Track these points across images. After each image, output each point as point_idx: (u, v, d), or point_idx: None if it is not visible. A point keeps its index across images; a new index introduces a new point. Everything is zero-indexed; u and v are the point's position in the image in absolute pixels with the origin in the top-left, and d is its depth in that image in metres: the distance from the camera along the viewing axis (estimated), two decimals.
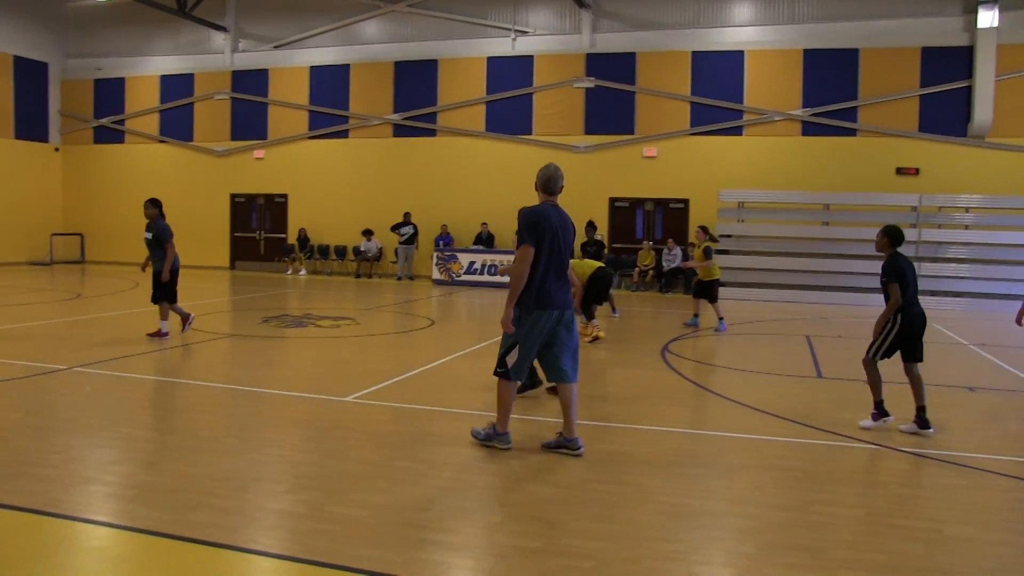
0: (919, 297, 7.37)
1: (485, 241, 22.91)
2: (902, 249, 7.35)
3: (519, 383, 6.45)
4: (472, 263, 22.11)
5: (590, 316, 12.39)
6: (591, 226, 19.66)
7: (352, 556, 4.28)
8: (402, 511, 4.94)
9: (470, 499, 5.26)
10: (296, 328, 13.08)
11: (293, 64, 25.75)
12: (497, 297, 19.37)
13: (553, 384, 6.71)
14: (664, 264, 21.26)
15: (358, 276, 24.11)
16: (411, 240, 23.51)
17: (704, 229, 14.70)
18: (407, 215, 23.59)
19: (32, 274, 22.33)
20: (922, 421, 7.06)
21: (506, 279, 7.11)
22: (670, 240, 21.43)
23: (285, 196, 26.11)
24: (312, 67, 25.49)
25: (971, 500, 5.48)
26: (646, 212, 22.86)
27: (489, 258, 22.03)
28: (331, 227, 25.27)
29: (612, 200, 22.87)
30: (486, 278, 21.79)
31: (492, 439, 6.38)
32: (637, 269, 21.57)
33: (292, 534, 4.62)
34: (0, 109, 26.60)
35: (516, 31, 23.54)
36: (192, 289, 19.00)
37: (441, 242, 23.25)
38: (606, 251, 20.97)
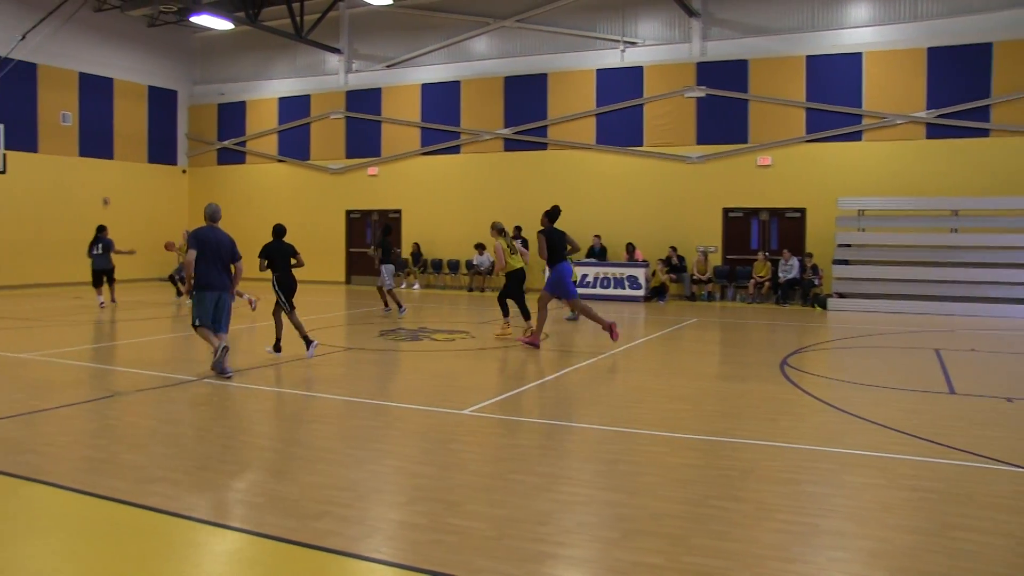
0: None
1: (598, 254, 22.81)
2: None
3: (208, 328, 9.82)
4: (585, 276, 22.05)
5: (505, 312, 13.97)
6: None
7: (472, 568, 4.31)
8: (521, 524, 4.95)
9: (589, 514, 5.23)
10: (412, 341, 13.31)
11: (405, 82, 26.32)
12: (610, 310, 19.26)
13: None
14: (780, 275, 20.75)
15: (471, 290, 24.36)
16: None
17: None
18: (518, 229, 23.71)
19: (162, 290, 23.42)
20: None
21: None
22: (785, 251, 20.91)
23: (399, 211, 26.66)
24: (423, 85, 26.00)
25: None
26: (761, 222, 22.38)
27: (602, 271, 21.92)
28: (444, 241, 25.65)
29: (726, 211, 22.47)
30: (599, 291, 21.69)
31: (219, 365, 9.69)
32: (753, 281, 21.13)
33: (413, 544, 4.68)
34: (136, 135, 28.32)
35: (625, 42, 23.45)
36: (310, 303, 19.58)
37: None
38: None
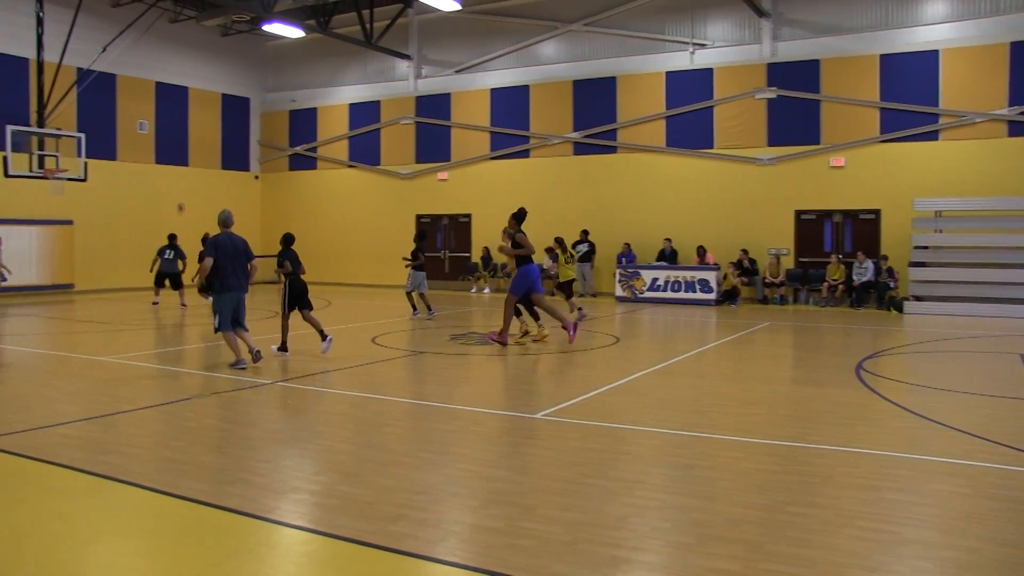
0: None
1: (668, 257, 22.62)
2: None
3: (229, 331, 10.80)
4: (655, 279, 21.88)
5: (535, 317, 13.85)
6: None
7: (547, 572, 4.30)
8: (595, 529, 4.93)
9: (663, 519, 5.18)
10: (483, 346, 13.35)
11: (474, 87, 26.48)
12: (681, 314, 19.10)
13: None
14: (855, 278, 20.31)
15: None
16: (586, 257, 23.46)
17: (559, 241, 18.57)
18: (584, 232, 23.66)
19: None
20: None
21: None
22: (860, 253, 20.46)
23: (469, 216, 26.81)
24: (492, 89, 26.11)
25: None
26: (835, 224, 21.93)
27: (673, 275, 21.72)
28: None
29: (798, 213, 22.08)
30: (670, 295, 21.50)
31: (235, 366, 10.62)
32: (826, 284, 20.72)
33: (487, 548, 4.69)
34: (210, 143, 29.09)
35: (694, 44, 23.23)
36: (381, 307, 19.80)
37: (624, 259, 23.15)
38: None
